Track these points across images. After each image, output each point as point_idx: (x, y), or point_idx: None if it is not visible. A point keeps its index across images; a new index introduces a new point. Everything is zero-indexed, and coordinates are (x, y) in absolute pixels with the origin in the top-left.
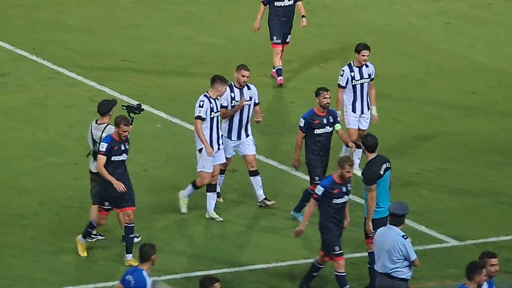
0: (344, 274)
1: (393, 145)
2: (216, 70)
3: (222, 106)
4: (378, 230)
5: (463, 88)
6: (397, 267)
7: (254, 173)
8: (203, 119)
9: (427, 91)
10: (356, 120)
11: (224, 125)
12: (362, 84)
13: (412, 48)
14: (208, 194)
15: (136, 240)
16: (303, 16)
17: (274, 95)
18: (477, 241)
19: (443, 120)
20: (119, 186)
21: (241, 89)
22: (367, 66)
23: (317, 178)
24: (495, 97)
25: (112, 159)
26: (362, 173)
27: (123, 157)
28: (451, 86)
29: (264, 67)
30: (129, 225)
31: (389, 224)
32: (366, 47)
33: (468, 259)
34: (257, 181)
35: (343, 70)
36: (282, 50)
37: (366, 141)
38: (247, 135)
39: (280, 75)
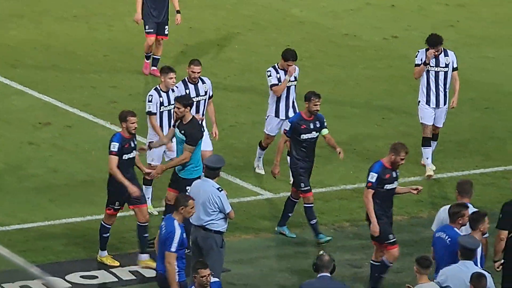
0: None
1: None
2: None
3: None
4: (193, 182)
5: (278, 41)
6: (212, 220)
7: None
8: (154, 114)
9: (241, 43)
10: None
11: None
12: (289, 87)
13: (226, 1)
14: (145, 187)
15: None
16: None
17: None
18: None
19: (257, 72)
20: (134, 190)
21: (195, 84)
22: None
23: (302, 184)
24: (310, 50)
25: (123, 158)
26: None
27: (133, 154)
28: (265, 40)
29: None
30: (143, 224)
31: (204, 176)
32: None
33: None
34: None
35: (269, 71)
36: (160, 43)
37: None
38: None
39: (155, 66)
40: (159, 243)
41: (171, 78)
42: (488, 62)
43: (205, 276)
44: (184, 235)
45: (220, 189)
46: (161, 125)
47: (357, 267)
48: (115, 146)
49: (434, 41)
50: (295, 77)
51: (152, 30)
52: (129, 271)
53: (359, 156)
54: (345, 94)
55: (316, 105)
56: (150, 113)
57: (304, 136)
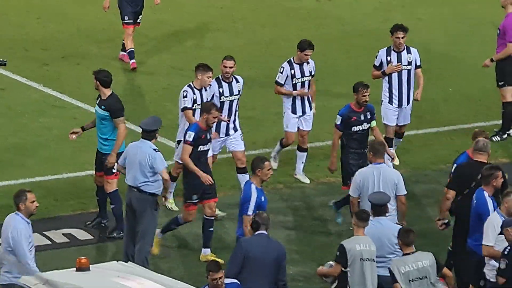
0: None
1: None
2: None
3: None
4: (131, 144)
5: (211, 3)
6: (147, 181)
7: (243, 170)
8: (190, 109)
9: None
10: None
11: None
12: (303, 83)
13: None
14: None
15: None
16: None
17: (128, 80)
18: (225, 155)
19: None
20: (206, 179)
21: (229, 83)
22: (307, 63)
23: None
24: (243, 11)
25: (198, 149)
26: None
27: (208, 146)
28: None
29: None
30: (209, 218)
31: (142, 138)
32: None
33: (221, 174)
34: (245, 178)
35: (283, 67)
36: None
37: None
38: (235, 130)
39: (133, 58)
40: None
41: (209, 77)
42: (420, 23)
43: (216, 279)
44: (263, 198)
45: (156, 150)
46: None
47: (290, 229)
48: (190, 136)
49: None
50: (310, 72)
51: (131, 21)
52: (62, 234)
53: None
54: (278, 54)
55: (365, 96)
56: (185, 109)
57: (355, 128)
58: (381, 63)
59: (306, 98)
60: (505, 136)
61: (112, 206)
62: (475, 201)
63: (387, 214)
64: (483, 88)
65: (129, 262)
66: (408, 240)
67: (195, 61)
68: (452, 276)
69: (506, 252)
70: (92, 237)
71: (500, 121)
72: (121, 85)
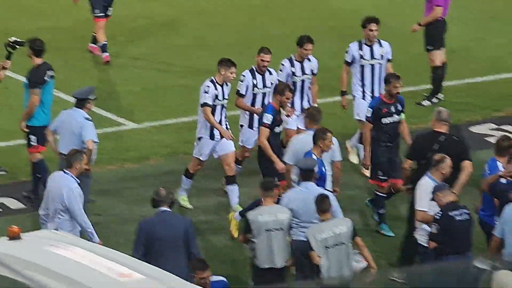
0: None
1: None
2: None
3: (238, 94)
4: (64, 111)
5: None
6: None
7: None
8: (209, 106)
9: None
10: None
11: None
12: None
13: None
14: (229, 187)
15: None
16: None
17: (100, 74)
18: (155, 123)
19: None
20: (281, 167)
21: (263, 75)
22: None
23: (380, 172)
24: None
25: (274, 131)
26: None
27: (281, 128)
28: None
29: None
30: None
31: (75, 107)
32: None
33: (147, 142)
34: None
35: (283, 64)
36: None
37: None
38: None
39: (106, 52)
40: None
41: (232, 73)
42: None
43: (204, 278)
44: (323, 168)
45: (88, 119)
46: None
47: (222, 196)
48: (269, 119)
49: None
50: (311, 71)
51: (103, 14)
52: None
53: None
54: (206, 23)
55: (396, 87)
56: (205, 105)
57: (385, 120)
58: (353, 58)
59: (305, 96)
60: (435, 100)
61: (35, 175)
62: (488, 171)
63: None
64: (411, 53)
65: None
66: (323, 207)
67: (168, 52)
68: (364, 246)
69: (437, 217)
70: (25, 207)
71: (429, 86)
72: (93, 77)
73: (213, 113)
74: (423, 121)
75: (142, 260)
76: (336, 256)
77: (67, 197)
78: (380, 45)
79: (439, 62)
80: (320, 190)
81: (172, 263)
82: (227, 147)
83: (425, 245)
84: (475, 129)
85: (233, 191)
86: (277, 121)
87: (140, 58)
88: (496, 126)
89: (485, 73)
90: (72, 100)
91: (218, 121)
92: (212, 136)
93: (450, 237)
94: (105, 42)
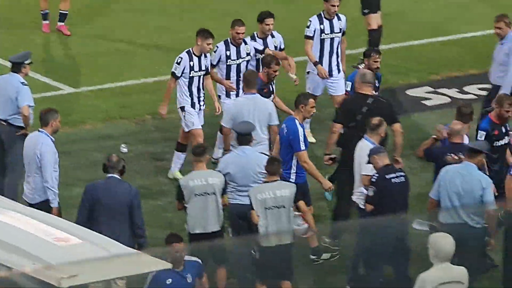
0: None
1: None
2: None
3: (211, 65)
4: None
5: None
6: (15, 114)
7: None
8: (176, 77)
9: None
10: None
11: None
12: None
13: None
14: (177, 153)
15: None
16: None
17: (37, 39)
18: (92, 87)
19: None
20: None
21: (237, 46)
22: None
23: None
24: None
25: None
26: None
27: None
28: None
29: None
30: None
31: (11, 71)
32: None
33: (84, 106)
34: None
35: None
36: None
37: None
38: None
39: (46, 20)
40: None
41: (209, 44)
42: None
43: (179, 251)
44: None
45: (24, 84)
46: (190, 91)
47: (159, 160)
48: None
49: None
50: (275, 47)
51: None
52: None
53: (160, 50)
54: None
55: (376, 61)
56: (172, 75)
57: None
58: (315, 31)
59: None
60: None
61: None
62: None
63: (259, 144)
64: (348, 17)
65: None
66: (272, 169)
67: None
68: (307, 211)
69: (373, 180)
70: None
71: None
72: (30, 42)
73: (190, 84)
74: None
75: (85, 224)
76: (275, 218)
77: (40, 153)
78: (339, 18)
79: (375, 25)
80: (257, 155)
81: (113, 230)
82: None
83: (363, 207)
84: (412, 92)
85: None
86: (264, 93)
87: (77, 24)
88: (433, 89)
89: (421, 37)
90: (10, 65)
91: (196, 92)
92: (193, 105)
93: (387, 199)
94: (47, 11)
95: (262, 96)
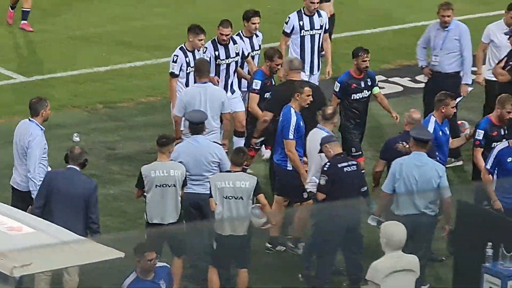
0: None
1: None
2: None
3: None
4: None
5: None
6: None
7: (241, 134)
8: (176, 76)
9: None
10: None
11: None
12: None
13: None
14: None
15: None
16: None
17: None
18: (44, 76)
19: None
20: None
21: (225, 46)
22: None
23: (353, 149)
24: None
25: (264, 97)
26: None
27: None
28: None
29: None
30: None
31: None
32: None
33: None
34: (241, 142)
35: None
36: None
37: None
38: (232, 92)
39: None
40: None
41: (201, 40)
42: None
43: (152, 259)
44: (301, 122)
45: None
46: (187, 86)
47: (111, 149)
48: (257, 84)
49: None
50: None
51: None
52: None
53: (113, 38)
54: None
55: (365, 61)
56: (171, 75)
57: (354, 96)
58: (293, 28)
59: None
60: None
61: None
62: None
63: (211, 133)
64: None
65: None
66: (237, 160)
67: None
68: (266, 204)
69: (325, 168)
70: None
71: None
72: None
73: (187, 80)
74: None
75: (40, 211)
76: (233, 208)
77: (28, 142)
78: (319, 15)
79: (328, 14)
80: (210, 144)
81: (66, 220)
82: None
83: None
84: None
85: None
86: (266, 86)
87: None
88: (385, 78)
89: (374, 25)
90: None
91: None
92: None
93: (338, 188)
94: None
95: (265, 90)
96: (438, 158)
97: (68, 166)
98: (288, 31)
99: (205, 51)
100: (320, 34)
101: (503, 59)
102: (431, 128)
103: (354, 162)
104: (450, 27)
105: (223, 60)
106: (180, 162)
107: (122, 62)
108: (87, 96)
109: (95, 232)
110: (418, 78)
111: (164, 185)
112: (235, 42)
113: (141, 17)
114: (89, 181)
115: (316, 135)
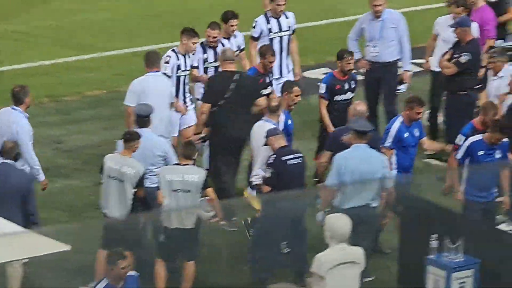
0: None
1: None
2: None
3: (192, 67)
4: None
5: None
6: None
7: None
8: (168, 77)
9: None
10: None
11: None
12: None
13: None
14: None
15: None
16: None
17: None
18: None
19: None
20: None
21: (214, 49)
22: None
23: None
24: None
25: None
26: None
27: (267, 90)
28: None
29: None
30: None
31: None
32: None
33: None
34: None
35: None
36: None
37: None
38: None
39: None
40: None
41: (195, 43)
42: None
43: (125, 267)
44: (289, 121)
45: None
46: (176, 91)
47: (59, 143)
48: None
49: None
50: (238, 46)
51: None
52: None
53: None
54: None
55: (350, 63)
56: (165, 75)
57: (338, 98)
58: (261, 32)
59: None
60: None
61: None
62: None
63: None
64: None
65: None
66: (185, 152)
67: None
68: (214, 198)
69: (271, 161)
70: None
71: None
72: None
73: (177, 83)
74: None
75: None
76: (182, 201)
77: (17, 133)
78: (286, 16)
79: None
80: (155, 137)
81: (5, 213)
82: (188, 122)
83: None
84: (309, 74)
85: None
86: (260, 84)
87: None
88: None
89: (318, 18)
90: None
91: (181, 93)
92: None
93: (284, 181)
94: None
95: (260, 88)
96: (381, 151)
97: (2, 160)
98: (257, 36)
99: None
100: (288, 35)
101: (448, 51)
102: (394, 128)
103: (299, 155)
104: (385, 16)
105: (211, 63)
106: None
107: (68, 55)
108: (34, 90)
109: (34, 223)
110: (362, 70)
111: (115, 178)
112: (223, 45)
113: (86, 11)
114: (25, 175)
115: (261, 128)
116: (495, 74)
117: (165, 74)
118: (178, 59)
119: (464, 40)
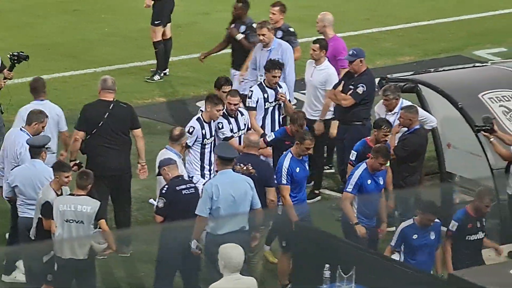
0: None
1: None
2: None
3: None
4: None
5: None
6: None
7: None
8: (188, 147)
9: None
10: None
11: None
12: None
13: None
14: None
15: None
16: None
17: None
18: None
19: None
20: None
21: (235, 118)
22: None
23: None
24: None
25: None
26: None
27: (272, 104)
28: None
29: None
30: None
31: None
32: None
33: None
34: None
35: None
36: None
37: None
38: None
39: None
40: None
41: (219, 110)
42: None
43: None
44: (297, 169)
45: None
46: (201, 159)
47: None
48: (253, 101)
49: None
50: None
51: None
52: None
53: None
54: None
55: (387, 134)
56: (187, 146)
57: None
58: (257, 101)
59: None
60: (162, 75)
61: None
62: None
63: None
64: (140, 28)
65: None
66: (80, 183)
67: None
68: (107, 229)
69: (164, 191)
70: None
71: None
72: None
73: (203, 152)
74: (149, 96)
75: None
76: (74, 232)
77: (19, 154)
78: (279, 86)
79: (159, 37)
80: (45, 168)
81: None
82: None
83: None
84: (201, 103)
85: None
86: (265, 99)
87: None
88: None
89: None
90: None
91: (207, 159)
92: (203, 176)
93: (176, 210)
94: None
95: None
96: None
97: None
98: (254, 105)
99: (191, 132)
100: (281, 104)
101: (339, 83)
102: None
103: (193, 185)
104: (273, 46)
105: (235, 133)
106: (16, 186)
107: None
108: None
109: None
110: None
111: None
112: (242, 114)
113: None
114: None
115: (164, 156)
116: (390, 111)
117: (186, 144)
118: (203, 128)
119: (359, 71)
